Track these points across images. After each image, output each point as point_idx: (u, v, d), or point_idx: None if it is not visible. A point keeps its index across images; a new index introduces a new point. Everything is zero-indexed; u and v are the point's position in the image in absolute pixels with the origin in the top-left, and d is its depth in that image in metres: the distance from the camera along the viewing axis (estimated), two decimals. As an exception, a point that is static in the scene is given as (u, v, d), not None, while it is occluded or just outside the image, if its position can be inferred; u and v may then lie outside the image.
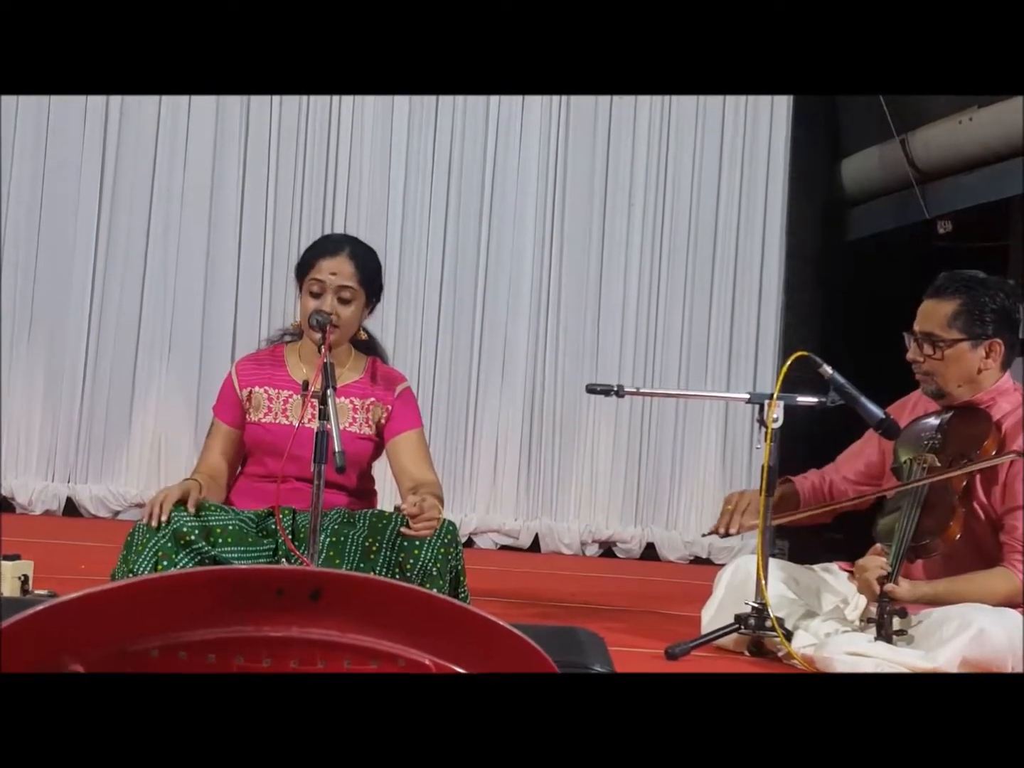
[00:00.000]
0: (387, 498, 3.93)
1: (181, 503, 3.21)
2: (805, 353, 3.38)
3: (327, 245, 3.57)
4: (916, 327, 3.49)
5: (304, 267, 3.48)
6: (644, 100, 7.13)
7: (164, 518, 3.16)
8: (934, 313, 3.45)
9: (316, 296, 3.41)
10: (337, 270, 3.42)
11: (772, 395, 3.34)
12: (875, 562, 3.26)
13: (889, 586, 3.16)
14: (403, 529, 3.16)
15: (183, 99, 6.81)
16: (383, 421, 3.53)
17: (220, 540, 3.19)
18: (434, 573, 3.20)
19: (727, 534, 3.57)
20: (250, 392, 3.51)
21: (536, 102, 7.04)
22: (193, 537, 3.13)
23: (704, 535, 3.88)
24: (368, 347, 3.65)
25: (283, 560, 3.20)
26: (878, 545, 3.37)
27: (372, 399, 3.51)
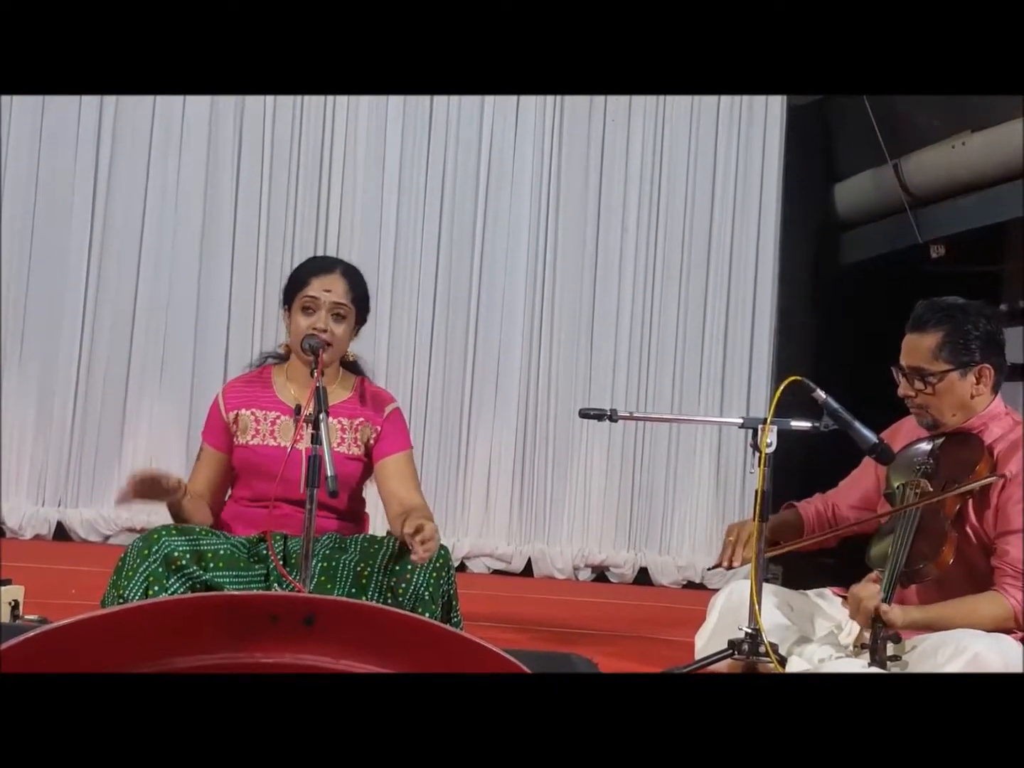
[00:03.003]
0: (378, 522, 3.91)
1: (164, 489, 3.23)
2: (798, 378, 3.36)
3: (319, 263, 3.57)
4: (903, 361, 3.47)
5: (295, 285, 3.47)
6: (637, 124, 7.16)
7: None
8: (919, 347, 3.43)
9: (309, 313, 3.40)
10: (331, 287, 3.42)
11: (766, 420, 3.32)
12: (869, 590, 3.25)
13: (883, 606, 3.15)
14: (414, 557, 3.11)
15: (176, 113, 6.84)
16: (372, 442, 3.51)
17: (212, 565, 3.17)
18: (426, 598, 3.18)
19: (731, 567, 3.54)
20: (236, 415, 3.49)
21: (529, 125, 7.07)
22: (184, 562, 3.11)
23: (709, 569, 3.85)
24: (356, 367, 3.64)
25: (275, 585, 3.18)
26: (874, 572, 3.36)
27: (361, 419, 3.50)
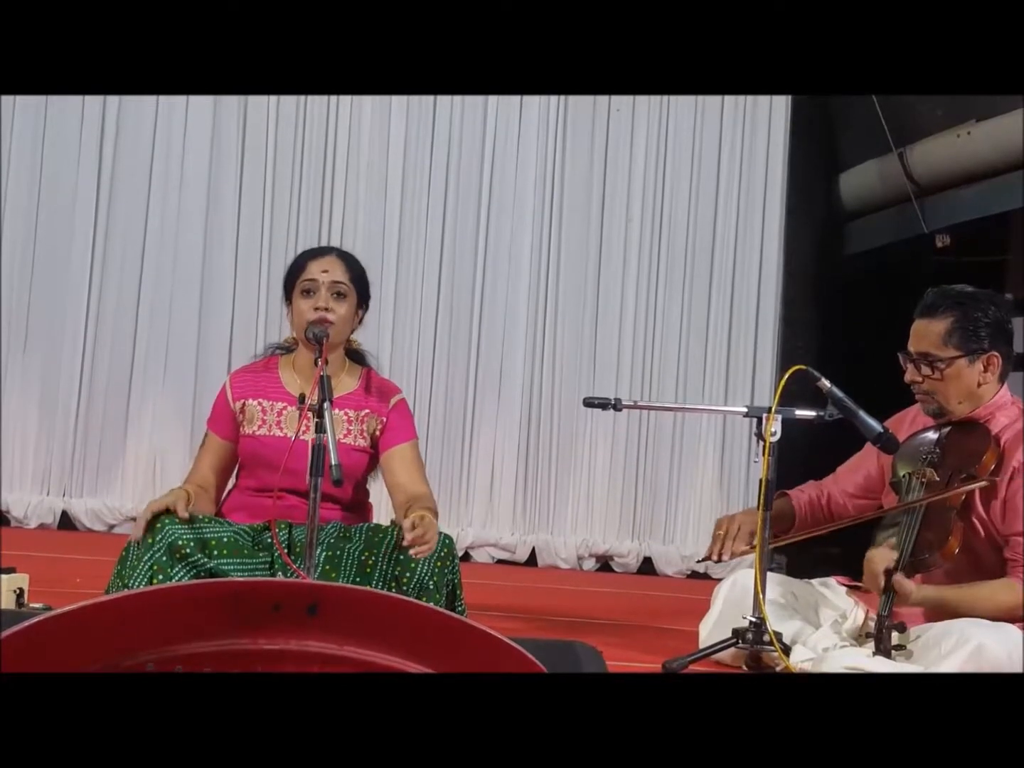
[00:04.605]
0: (382, 511, 3.92)
1: (171, 512, 3.19)
2: (803, 367, 3.36)
3: (314, 250, 3.63)
4: (911, 347, 3.47)
5: (294, 272, 3.49)
6: (641, 115, 7.14)
7: (143, 523, 3.15)
8: (928, 332, 3.43)
9: (309, 296, 3.41)
10: (328, 267, 3.45)
11: (770, 409, 3.33)
12: (884, 555, 3.24)
13: (897, 576, 3.14)
14: (405, 543, 3.12)
15: (179, 112, 6.82)
16: (378, 433, 3.51)
17: (216, 552, 3.17)
18: (431, 587, 3.18)
19: (720, 560, 3.56)
20: (243, 404, 3.49)
21: (533, 115, 7.05)
22: (188, 550, 3.11)
23: (698, 561, 3.90)
24: (361, 357, 3.65)
25: (279, 573, 3.18)
26: (892, 539, 3.34)
27: (367, 411, 3.50)
